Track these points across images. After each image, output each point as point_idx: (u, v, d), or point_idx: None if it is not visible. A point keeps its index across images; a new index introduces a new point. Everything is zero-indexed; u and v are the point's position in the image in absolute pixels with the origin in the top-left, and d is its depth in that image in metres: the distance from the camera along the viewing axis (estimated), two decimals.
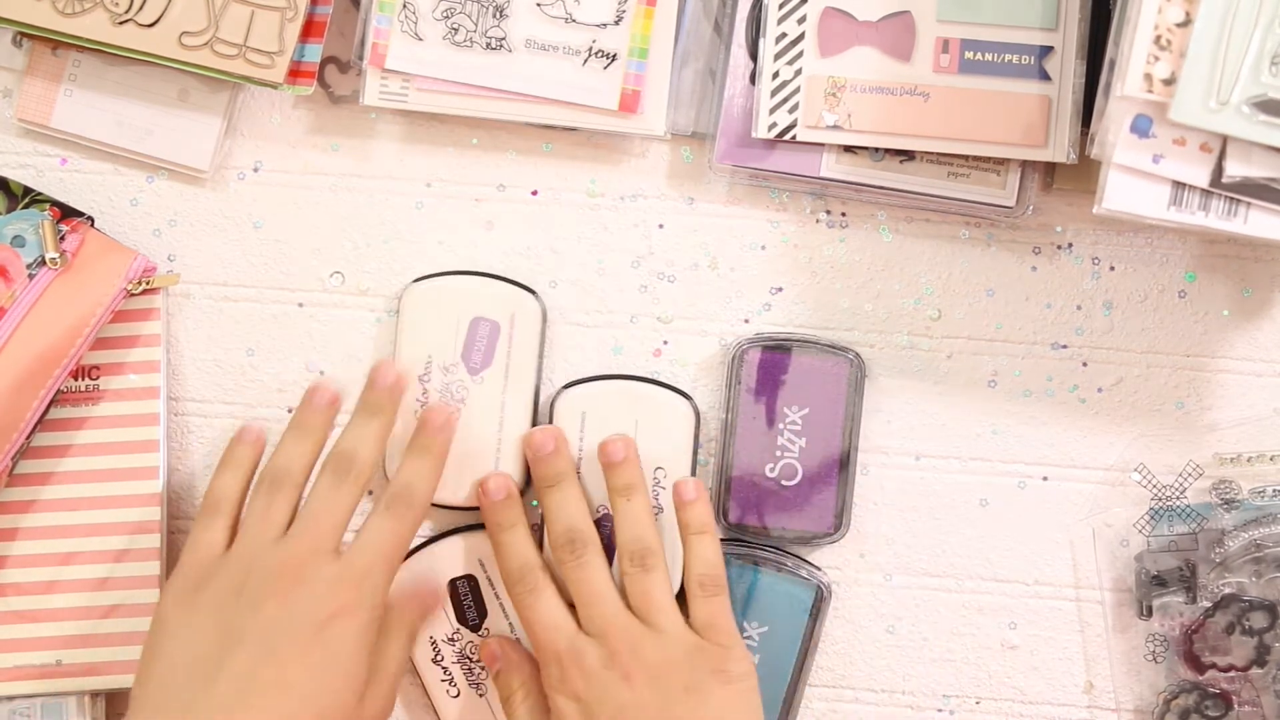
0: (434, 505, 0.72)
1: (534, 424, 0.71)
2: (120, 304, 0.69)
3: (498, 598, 0.71)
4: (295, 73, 0.69)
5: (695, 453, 0.70)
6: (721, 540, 0.70)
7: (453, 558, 0.71)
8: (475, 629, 0.71)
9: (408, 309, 0.71)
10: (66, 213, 0.70)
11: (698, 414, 0.71)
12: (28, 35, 0.71)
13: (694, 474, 0.70)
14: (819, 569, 0.72)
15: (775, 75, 0.69)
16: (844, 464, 0.70)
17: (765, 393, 0.70)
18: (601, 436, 0.70)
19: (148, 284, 0.69)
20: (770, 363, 0.70)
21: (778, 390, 0.70)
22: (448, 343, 0.70)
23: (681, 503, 0.69)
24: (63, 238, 0.69)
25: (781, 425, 0.70)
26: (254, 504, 0.66)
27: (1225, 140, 0.60)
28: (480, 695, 0.71)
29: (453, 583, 0.71)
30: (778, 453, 0.70)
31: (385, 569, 0.65)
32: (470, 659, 0.71)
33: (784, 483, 0.70)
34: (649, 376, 0.72)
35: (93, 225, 0.70)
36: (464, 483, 0.71)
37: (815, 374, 0.70)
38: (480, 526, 0.71)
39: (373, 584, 0.64)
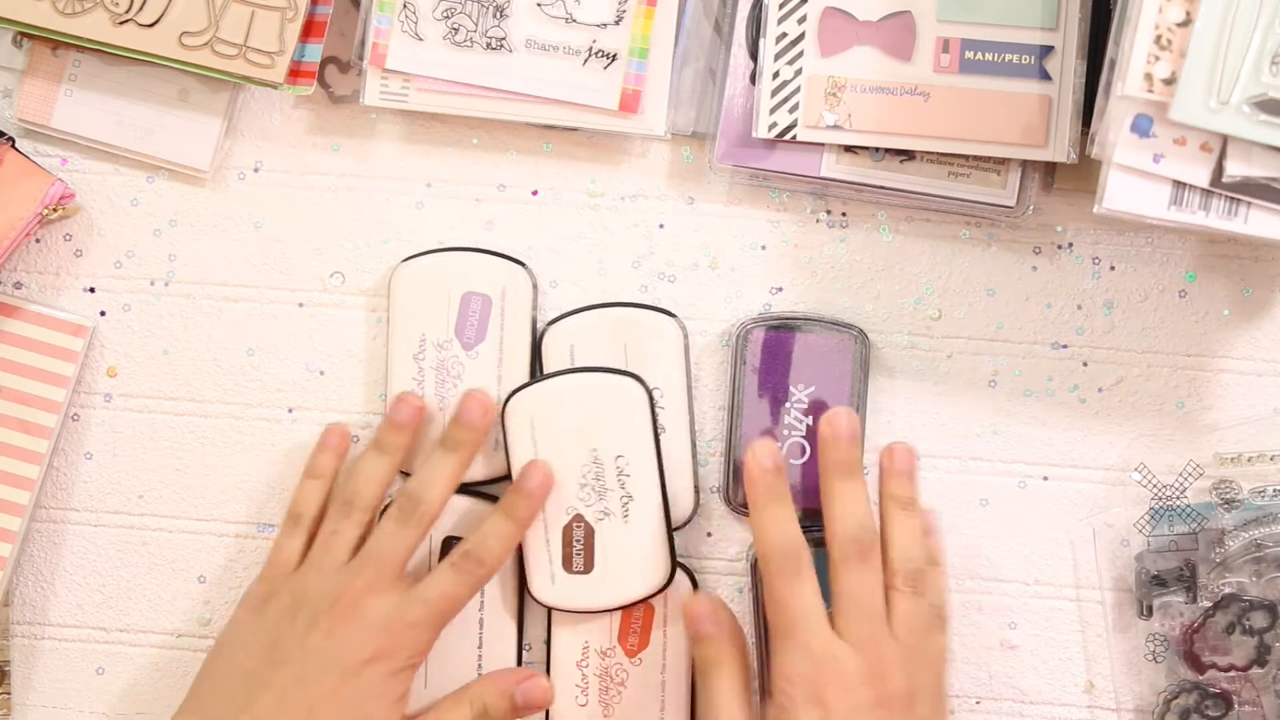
0: None
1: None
2: (35, 229, 0.69)
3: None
4: (295, 73, 0.69)
5: (688, 373, 0.70)
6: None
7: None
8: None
9: (398, 289, 0.71)
10: None
11: (685, 332, 0.70)
12: (28, 35, 0.71)
13: (689, 392, 0.70)
14: None
15: (775, 75, 0.69)
16: None
17: (770, 372, 0.70)
18: (592, 364, 0.69)
19: (63, 210, 0.70)
20: (774, 342, 0.70)
21: (783, 369, 0.70)
22: (440, 320, 0.70)
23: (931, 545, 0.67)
24: None
25: (788, 404, 0.70)
26: (325, 526, 0.68)
27: (1225, 140, 0.60)
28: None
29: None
30: (785, 432, 0.70)
31: (434, 624, 0.66)
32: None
33: (792, 462, 0.70)
34: (633, 301, 0.72)
35: (13, 146, 0.70)
36: None
37: (820, 352, 0.70)
38: (476, 495, 0.71)
39: (416, 636, 0.65)
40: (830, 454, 0.65)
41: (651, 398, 0.69)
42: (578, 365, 0.70)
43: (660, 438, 0.69)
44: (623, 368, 0.69)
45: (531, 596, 0.70)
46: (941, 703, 0.65)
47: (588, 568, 0.69)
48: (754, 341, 0.70)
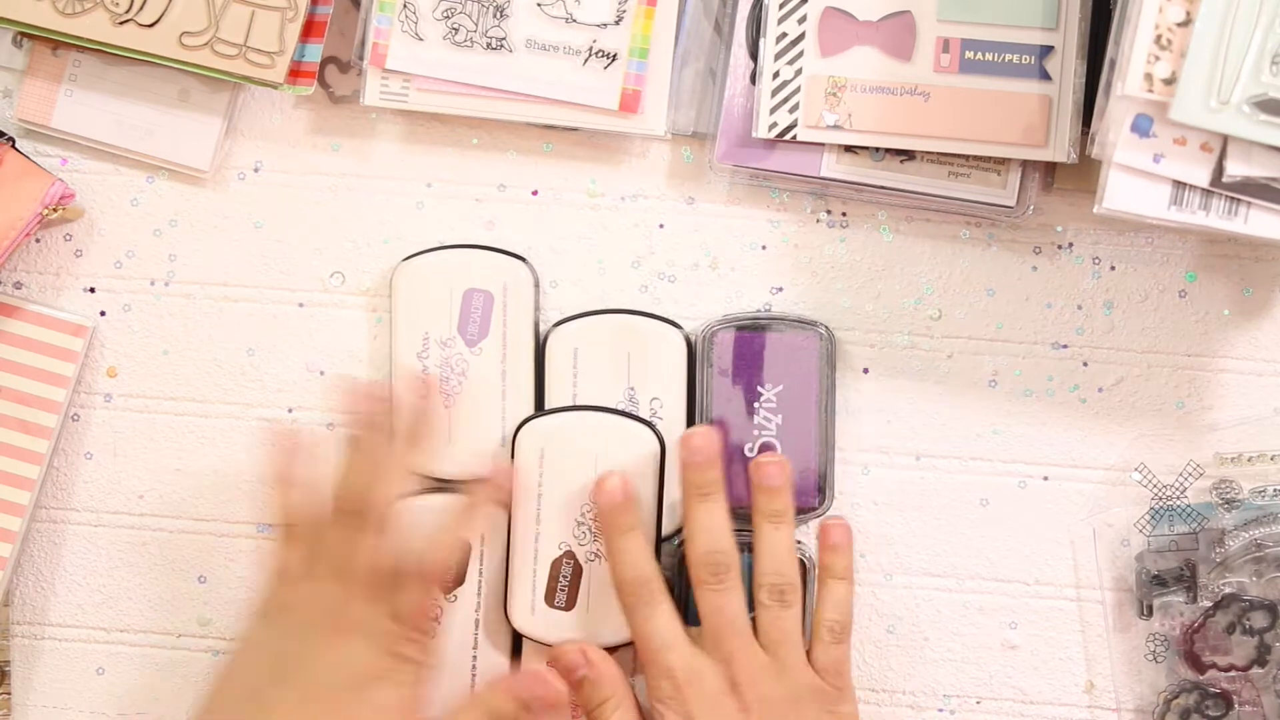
0: (440, 480, 0.71)
1: (537, 390, 0.70)
2: (35, 229, 0.69)
3: (480, 574, 0.70)
4: (295, 73, 0.69)
5: (690, 383, 0.70)
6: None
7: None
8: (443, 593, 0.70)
9: (400, 288, 0.71)
10: None
11: (689, 342, 0.70)
12: (28, 35, 0.71)
13: (689, 405, 0.70)
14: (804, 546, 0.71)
15: (775, 75, 0.69)
16: (823, 437, 0.70)
17: (737, 373, 0.70)
18: (595, 370, 0.69)
19: (62, 211, 0.70)
20: (740, 343, 0.70)
21: (750, 370, 0.70)
22: (443, 317, 0.70)
23: (827, 546, 0.69)
24: None
25: (756, 404, 0.70)
26: (330, 535, 0.65)
27: (1226, 140, 0.60)
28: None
29: None
30: (755, 432, 0.70)
31: (417, 632, 0.64)
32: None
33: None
34: (638, 309, 0.72)
35: (13, 146, 0.70)
36: (469, 456, 0.70)
37: (786, 351, 0.70)
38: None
39: (410, 649, 0.64)
40: (687, 475, 0.67)
41: (664, 450, 0.69)
42: (597, 405, 0.70)
43: (665, 489, 0.69)
44: (642, 416, 0.69)
45: (508, 622, 0.70)
46: (841, 704, 0.66)
47: (569, 605, 0.69)
48: (720, 343, 0.70)
